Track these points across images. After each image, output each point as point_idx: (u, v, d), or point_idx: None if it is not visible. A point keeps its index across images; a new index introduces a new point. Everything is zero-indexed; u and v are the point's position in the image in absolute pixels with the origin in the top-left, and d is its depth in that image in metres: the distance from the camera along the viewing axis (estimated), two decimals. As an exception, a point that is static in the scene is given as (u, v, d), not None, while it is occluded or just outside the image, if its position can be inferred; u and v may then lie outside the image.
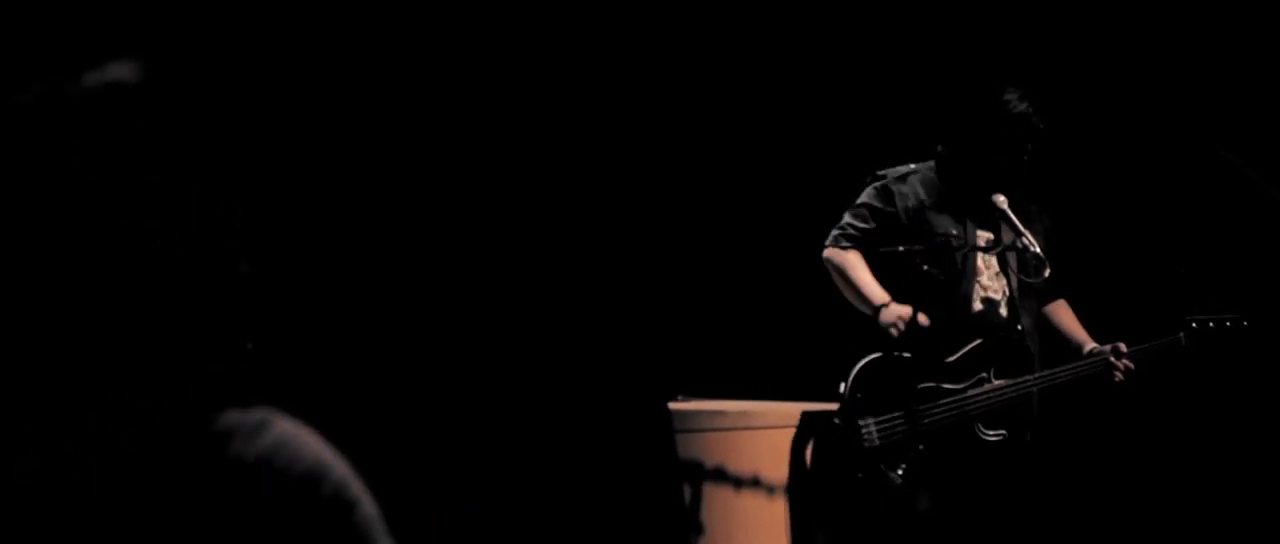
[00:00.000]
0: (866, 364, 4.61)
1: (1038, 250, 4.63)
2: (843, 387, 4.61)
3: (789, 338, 5.26)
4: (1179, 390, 5.47)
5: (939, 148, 4.81)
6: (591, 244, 5.11)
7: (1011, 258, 4.74)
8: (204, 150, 1.46)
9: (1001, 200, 4.73)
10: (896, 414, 4.56)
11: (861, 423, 4.56)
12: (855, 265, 4.73)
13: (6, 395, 1.43)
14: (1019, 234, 4.67)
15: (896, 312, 4.59)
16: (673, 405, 4.97)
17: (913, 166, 4.82)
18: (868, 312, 4.66)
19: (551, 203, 5.06)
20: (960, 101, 4.79)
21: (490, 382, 4.86)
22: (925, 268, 4.64)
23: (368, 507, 1.47)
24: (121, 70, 1.45)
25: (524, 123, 4.99)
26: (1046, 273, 4.65)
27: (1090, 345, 4.87)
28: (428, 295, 4.77)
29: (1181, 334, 4.87)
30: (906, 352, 4.58)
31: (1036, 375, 4.74)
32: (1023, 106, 4.67)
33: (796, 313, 5.00)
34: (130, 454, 1.42)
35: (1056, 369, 4.79)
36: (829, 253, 4.78)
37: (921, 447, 4.52)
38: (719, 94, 5.43)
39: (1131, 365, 4.80)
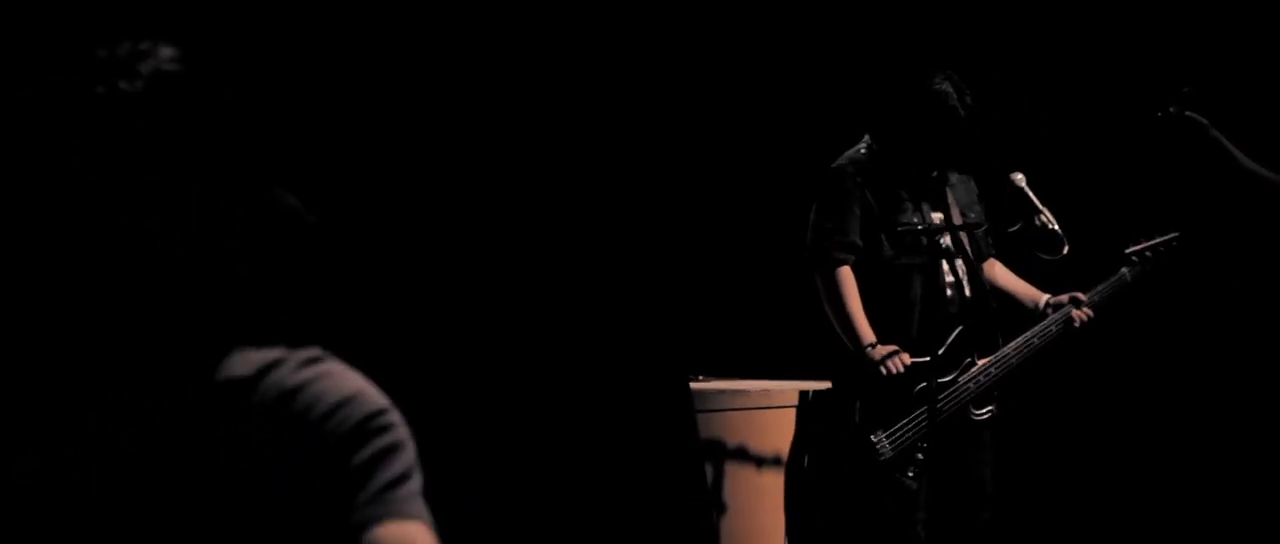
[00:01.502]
0: (865, 378, 4.63)
1: (1057, 228, 4.65)
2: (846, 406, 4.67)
3: (808, 317, 5.27)
4: (1134, 327, 5.44)
5: (873, 134, 4.79)
6: (612, 225, 5.13)
7: (964, 236, 4.76)
8: (219, 145, 1.48)
9: (1020, 178, 4.75)
10: (904, 423, 4.59)
11: (873, 438, 4.59)
12: (847, 293, 4.67)
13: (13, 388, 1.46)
14: (1037, 212, 4.69)
15: (887, 353, 4.60)
16: (694, 385, 4.99)
17: (860, 151, 4.78)
18: (852, 346, 4.65)
19: (570, 184, 5.08)
20: (894, 89, 4.79)
21: (514, 363, 4.88)
22: (903, 261, 4.66)
23: (403, 436, 1.48)
24: (164, 59, 1.47)
25: (539, 103, 5.01)
26: (1065, 250, 4.67)
27: (1045, 298, 4.88)
28: (447, 275, 4.79)
29: (1125, 269, 4.91)
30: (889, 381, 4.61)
31: (1014, 346, 4.76)
32: (948, 88, 4.65)
33: (815, 292, 5.01)
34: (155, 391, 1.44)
35: (1029, 334, 4.79)
36: (821, 264, 4.73)
37: (925, 444, 4.55)
38: (734, 75, 5.44)
39: (1091, 313, 4.83)
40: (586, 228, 5.03)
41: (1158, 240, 4.95)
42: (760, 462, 4.89)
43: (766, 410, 4.93)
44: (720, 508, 4.88)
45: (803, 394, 4.91)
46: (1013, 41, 5.52)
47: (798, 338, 5.11)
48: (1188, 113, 4.77)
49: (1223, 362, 5.50)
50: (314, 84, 4.28)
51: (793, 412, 4.93)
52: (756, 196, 5.61)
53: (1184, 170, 5.05)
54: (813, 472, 4.87)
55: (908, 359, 4.58)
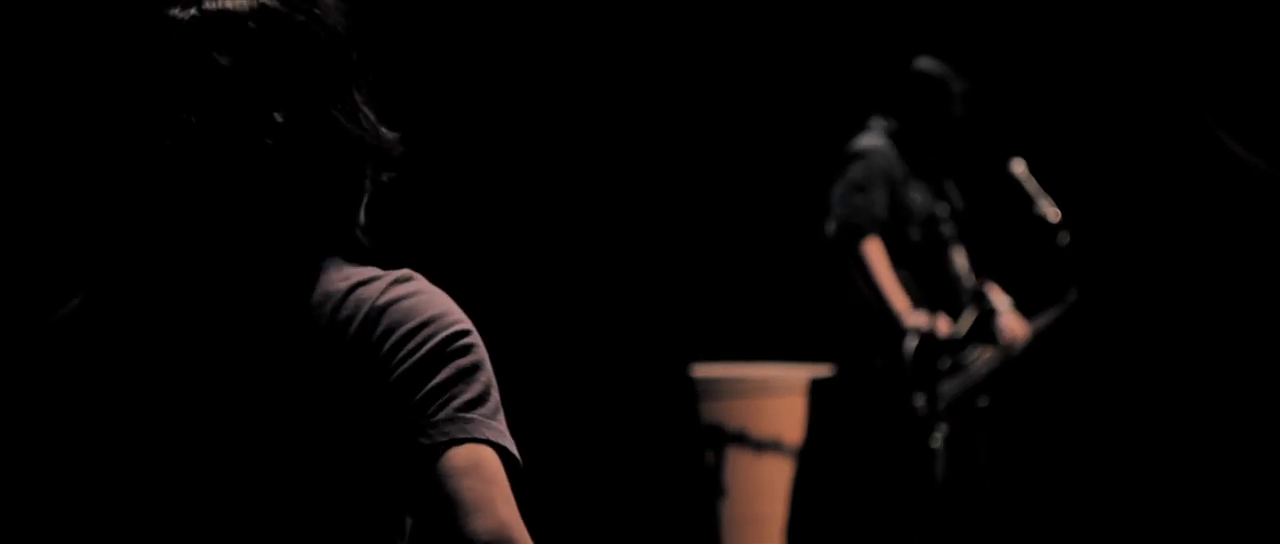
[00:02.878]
0: (911, 344, 4.65)
1: (1054, 217, 4.69)
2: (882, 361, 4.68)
3: (808, 304, 5.28)
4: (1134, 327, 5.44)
5: (885, 121, 4.85)
6: (614, 213, 5.14)
7: (952, 226, 4.84)
8: (289, 66, 1.49)
9: (1020, 168, 4.78)
10: (935, 388, 4.62)
11: (913, 399, 4.61)
12: (881, 264, 4.70)
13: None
14: (1035, 201, 4.73)
15: (929, 323, 4.63)
16: (694, 372, 5.00)
17: (874, 138, 4.83)
18: (893, 311, 4.65)
19: (573, 174, 5.09)
20: (901, 77, 4.87)
21: (517, 350, 4.88)
22: (920, 242, 4.73)
23: (483, 357, 1.49)
24: None
25: (544, 94, 5.02)
26: (1063, 240, 4.70)
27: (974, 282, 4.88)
28: (448, 262, 4.79)
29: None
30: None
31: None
32: (941, 73, 4.78)
33: (815, 279, 5.02)
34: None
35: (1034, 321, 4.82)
36: (851, 234, 4.73)
37: (945, 423, 4.59)
38: (738, 65, 5.46)
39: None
40: (587, 216, 5.05)
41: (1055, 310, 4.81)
42: (760, 447, 4.90)
43: (766, 397, 4.94)
44: (720, 493, 4.89)
45: (814, 381, 4.91)
46: (1018, 37, 5.54)
47: (798, 324, 5.12)
48: (1201, 112, 4.80)
49: (1222, 362, 5.52)
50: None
51: (792, 398, 4.94)
52: (756, 184, 5.62)
53: (1193, 168, 5.06)
54: (836, 457, 4.88)
55: (947, 325, 4.64)
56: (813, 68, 5.49)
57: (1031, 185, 4.74)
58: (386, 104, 1.56)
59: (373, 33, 1.59)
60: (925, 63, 4.82)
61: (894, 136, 4.82)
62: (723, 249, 5.47)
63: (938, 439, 4.58)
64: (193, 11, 1.46)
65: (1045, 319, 4.77)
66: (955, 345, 4.64)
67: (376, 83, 1.55)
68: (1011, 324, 4.72)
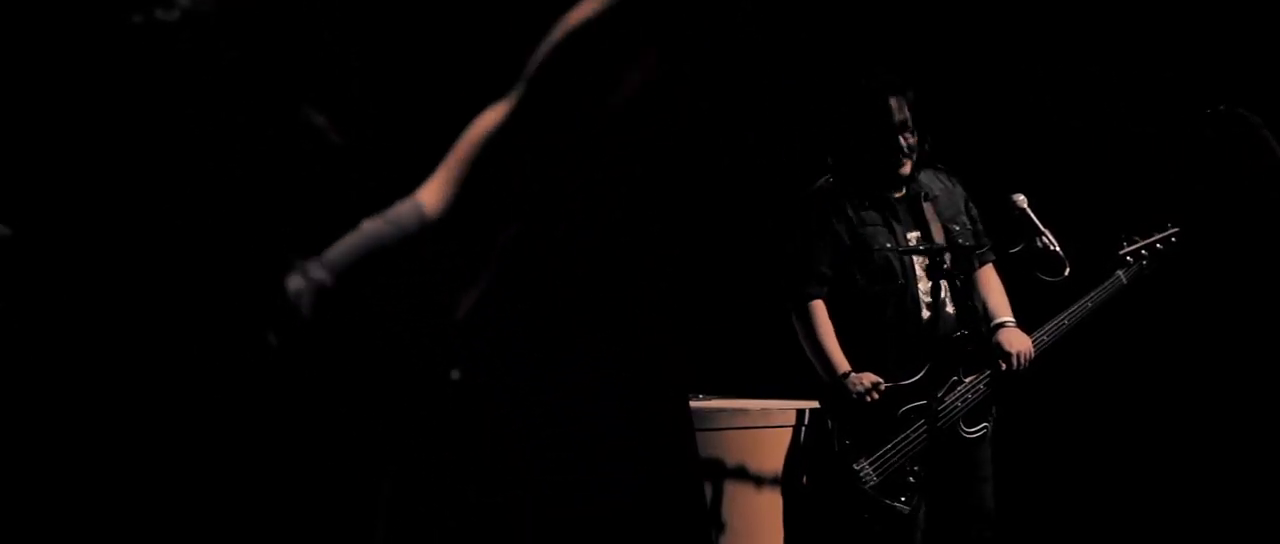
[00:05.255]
0: (844, 408, 4.60)
1: (1058, 250, 4.63)
2: (829, 428, 4.63)
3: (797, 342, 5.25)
4: (1135, 330, 5.37)
5: (831, 156, 4.77)
6: (611, 242, 5.11)
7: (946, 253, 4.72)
8: (253, 69, 1.47)
9: (1021, 200, 4.72)
10: (887, 448, 4.57)
11: (856, 467, 4.56)
12: (819, 326, 4.67)
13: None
14: (1039, 233, 4.67)
15: (866, 382, 4.57)
16: (694, 403, 4.97)
17: (827, 178, 4.75)
18: (827, 378, 4.64)
19: (570, 202, 5.06)
20: (832, 100, 4.75)
21: (511, 380, 4.85)
22: (877, 288, 4.63)
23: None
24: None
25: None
26: (1066, 272, 4.64)
27: (995, 320, 4.77)
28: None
29: (1120, 272, 4.81)
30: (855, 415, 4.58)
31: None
32: (878, 85, 4.62)
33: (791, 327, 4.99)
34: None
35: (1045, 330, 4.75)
36: (793, 303, 4.72)
37: (917, 468, 4.52)
38: (735, 92, 5.44)
39: (1016, 363, 4.68)
40: (590, 246, 5.02)
41: (1155, 237, 4.85)
42: (759, 481, 4.86)
43: (766, 429, 4.91)
44: (719, 527, 4.85)
45: (799, 413, 4.90)
46: (1032, 39, 5.49)
47: (797, 357, 5.09)
48: (1239, 109, 4.74)
49: (1227, 366, 5.46)
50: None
51: (793, 431, 4.91)
52: (753, 214, 5.59)
53: (1229, 168, 4.98)
54: (809, 493, 4.84)
55: (883, 385, 4.55)
56: (813, 95, 5.46)
57: (1032, 218, 4.70)
58: (384, 106, 1.55)
59: (370, 35, 1.58)
60: (858, 76, 4.68)
61: (839, 169, 4.71)
62: (723, 280, 5.44)
63: (902, 503, 4.52)
64: (139, 19, 1.43)
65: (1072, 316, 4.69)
66: (915, 390, 4.55)
67: (365, 86, 1.53)
68: (1011, 339, 4.67)
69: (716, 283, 5.58)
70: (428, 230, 1.45)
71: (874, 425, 4.55)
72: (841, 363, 4.60)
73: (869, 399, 4.53)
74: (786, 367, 5.28)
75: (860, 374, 4.56)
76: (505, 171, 1.40)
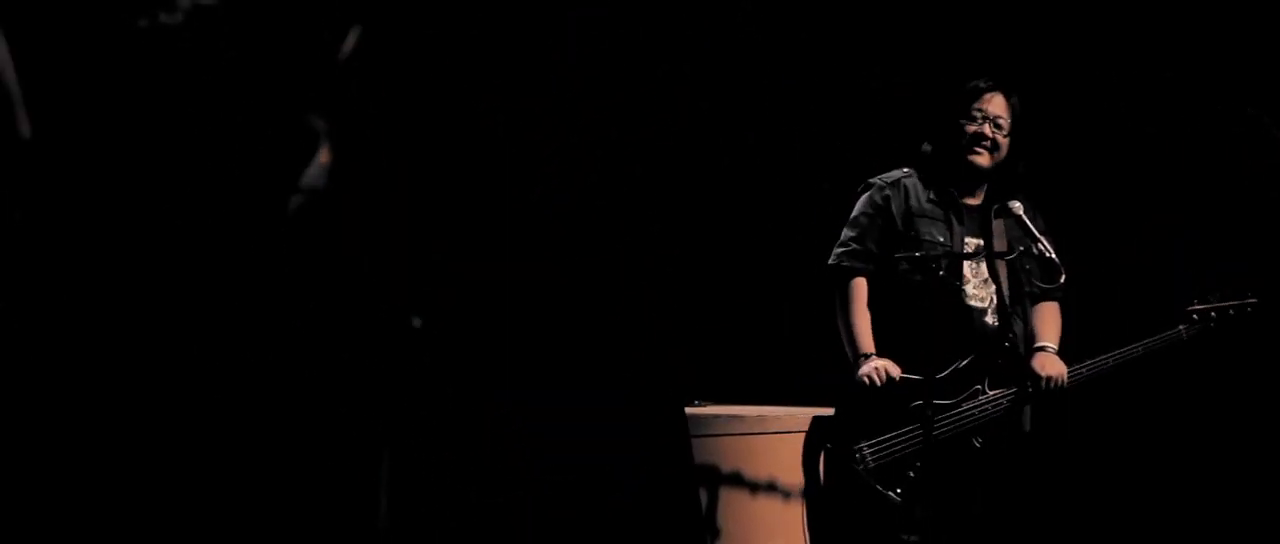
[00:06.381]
0: (856, 388, 4.60)
1: (1053, 256, 4.61)
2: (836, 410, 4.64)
3: (805, 342, 5.25)
4: (1179, 381, 5.33)
5: (923, 148, 4.80)
6: (607, 248, 5.11)
7: (1001, 264, 4.69)
8: (257, 72, 1.48)
9: (1017, 206, 4.71)
10: (890, 436, 4.57)
11: (856, 447, 4.56)
12: (855, 302, 4.69)
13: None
14: (1035, 240, 4.65)
15: (876, 365, 4.58)
16: (689, 410, 4.96)
17: (904, 170, 4.80)
18: (850, 354, 4.65)
19: (567, 206, 5.06)
20: (932, 95, 4.79)
21: (506, 386, 4.85)
22: (918, 278, 4.61)
23: None
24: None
25: (536, 124, 5.00)
26: (1062, 279, 4.61)
27: (1040, 343, 4.70)
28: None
29: (1182, 326, 4.76)
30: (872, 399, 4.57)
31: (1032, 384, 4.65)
32: (985, 85, 4.65)
33: (813, 317, 4.99)
34: None
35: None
36: (835, 275, 4.76)
37: (918, 464, 4.51)
38: (735, 97, 5.44)
39: (1048, 390, 4.63)
40: (585, 251, 5.01)
41: (1230, 303, 4.73)
42: (755, 488, 4.86)
43: (761, 436, 4.91)
44: (714, 534, 4.84)
45: (816, 418, 4.88)
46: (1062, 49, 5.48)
47: (797, 358, 5.10)
48: (1268, 117, 4.71)
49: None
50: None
51: (789, 437, 4.90)
52: (762, 219, 5.60)
53: (1260, 176, 4.95)
54: (820, 491, 4.83)
55: (896, 372, 4.56)
56: (824, 103, 5.48)
57: (1028, 224, 4.69)
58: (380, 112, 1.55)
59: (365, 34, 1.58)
60: (961, 76, 4.71)
61: (920, 163, 4.75)
62: (721, 285, 5.44)
63: (896, 494, 4.52)
64: (144, 22, 1.43)
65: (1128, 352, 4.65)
66: (931, 388, 4.53)
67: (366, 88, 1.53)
68: (1046, 363, 4.65)
69: (716, 284, 5.58)
70: None
71: (881, 412, 4.56)
72: (866, 344, 4.62)
73: (871, 378, 4.53)
74: (786, 369, 5.29)
75: (880, 359, 4.57)
76: None
